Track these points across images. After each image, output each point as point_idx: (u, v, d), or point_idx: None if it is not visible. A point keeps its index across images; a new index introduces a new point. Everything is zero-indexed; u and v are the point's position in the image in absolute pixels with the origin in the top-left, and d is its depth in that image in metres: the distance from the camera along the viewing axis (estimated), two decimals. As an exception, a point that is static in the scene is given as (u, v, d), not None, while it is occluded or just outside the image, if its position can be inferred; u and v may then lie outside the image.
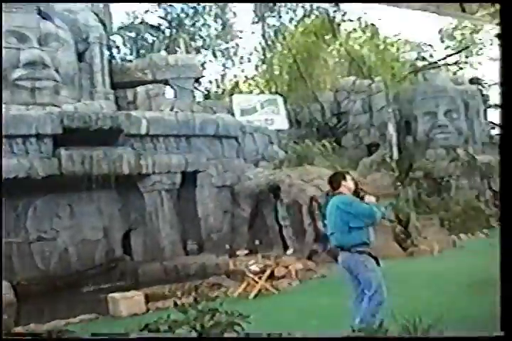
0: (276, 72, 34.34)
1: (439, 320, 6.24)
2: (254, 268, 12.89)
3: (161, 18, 35.61)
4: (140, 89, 22.71)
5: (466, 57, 38.98)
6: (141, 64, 24.16)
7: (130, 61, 28.04)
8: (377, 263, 7.82)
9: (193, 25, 36.31)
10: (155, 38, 33.21)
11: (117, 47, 32.04)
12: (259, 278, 12.66)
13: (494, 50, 38.40)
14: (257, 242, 16.16)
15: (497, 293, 10.43)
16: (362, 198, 7.92)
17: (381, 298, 7.58)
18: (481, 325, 8.05)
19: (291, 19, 35.78)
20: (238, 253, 14.65)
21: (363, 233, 7.74)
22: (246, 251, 14.66)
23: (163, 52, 30.19)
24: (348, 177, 7.98)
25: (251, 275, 12.73)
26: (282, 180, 17.23)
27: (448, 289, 11.32)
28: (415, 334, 6.23)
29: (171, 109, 21.53)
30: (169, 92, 24.26)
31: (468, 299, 10.21)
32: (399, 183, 21.24)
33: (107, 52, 22.94)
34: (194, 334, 5.81)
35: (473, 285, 11.39)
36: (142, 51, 31.83)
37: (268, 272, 12.83)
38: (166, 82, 23.80)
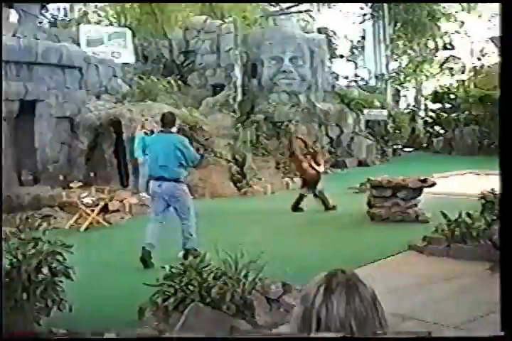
0: (128, 5, 33.55)
1: (259, 256, 6.63)
2: (87, 200, 12.93)
3: None
4: (-19, 11, 21.69)
5: (318, 5, 39.52)
6: (-16, -16, 22.99)
7: (-28, -20, 26.61)
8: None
9: None
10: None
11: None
12: (92, 210, 12.72)
13: (348, 4, 39.26)
14: (91, 175, 16.11)
15: (318, 233, 11.11)
16: None
17: (193, 221, 9.28)
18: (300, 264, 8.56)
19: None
20: (72, 185, 14.51)
21: (186, 170, 9.58)
22: (80, 183, 14.55)
23: (9, -26, 28.78)
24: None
25: (83, 208, 12.77)
26: (123, 114, 17.14)
27: (274, 227, 11.89)
28: (236, 267, 6.60)
29: (14, 35, 20.77)
30: (13, 17, 23.32)
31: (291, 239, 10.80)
32: (239, 125, 21.59)
33: None
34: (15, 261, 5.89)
35: (302, 226, 12.09)
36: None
37: (101, 205, 12.90)
38: (10, 6, 22.82)
